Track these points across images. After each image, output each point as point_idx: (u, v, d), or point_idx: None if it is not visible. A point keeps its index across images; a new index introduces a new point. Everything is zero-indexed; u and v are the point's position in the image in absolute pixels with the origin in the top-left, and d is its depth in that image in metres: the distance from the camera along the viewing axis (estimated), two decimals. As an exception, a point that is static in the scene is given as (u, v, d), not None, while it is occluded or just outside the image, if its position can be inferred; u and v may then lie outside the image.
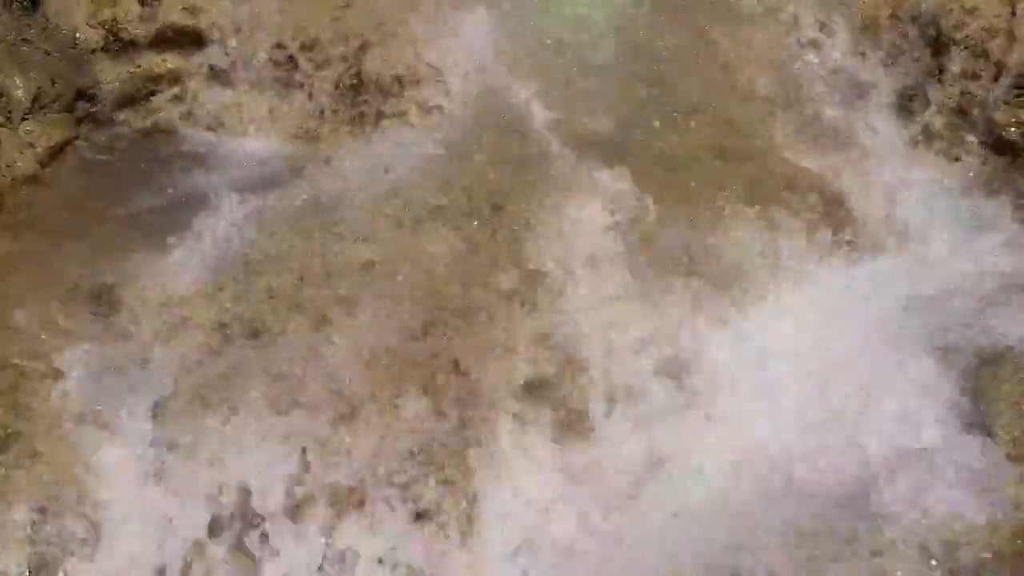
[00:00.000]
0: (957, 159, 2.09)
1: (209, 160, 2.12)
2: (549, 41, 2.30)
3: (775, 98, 2.19)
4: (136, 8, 2.25)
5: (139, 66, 2.21)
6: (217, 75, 2.25)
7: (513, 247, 1.87)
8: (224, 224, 1.89)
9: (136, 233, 1.93)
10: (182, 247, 1.89)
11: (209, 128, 2.21)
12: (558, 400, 1.75)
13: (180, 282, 1.83)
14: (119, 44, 2.22)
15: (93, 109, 2.18)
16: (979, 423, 1.69)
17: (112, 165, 2.13)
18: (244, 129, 2.20)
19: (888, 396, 1.76)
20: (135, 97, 2.22)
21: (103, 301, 1.81)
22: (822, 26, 2.31)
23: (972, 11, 2.20)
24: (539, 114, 2.11)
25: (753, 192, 2.04)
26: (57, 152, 2.10)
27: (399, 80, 2.18)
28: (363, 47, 2.24)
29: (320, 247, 1.86)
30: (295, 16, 2.30)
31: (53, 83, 2.10)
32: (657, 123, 2.14)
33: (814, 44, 2.30)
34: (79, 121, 2.16)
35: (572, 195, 1.98)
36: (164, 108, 2.21)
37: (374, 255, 1.82)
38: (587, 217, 1.96)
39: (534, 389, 1.75)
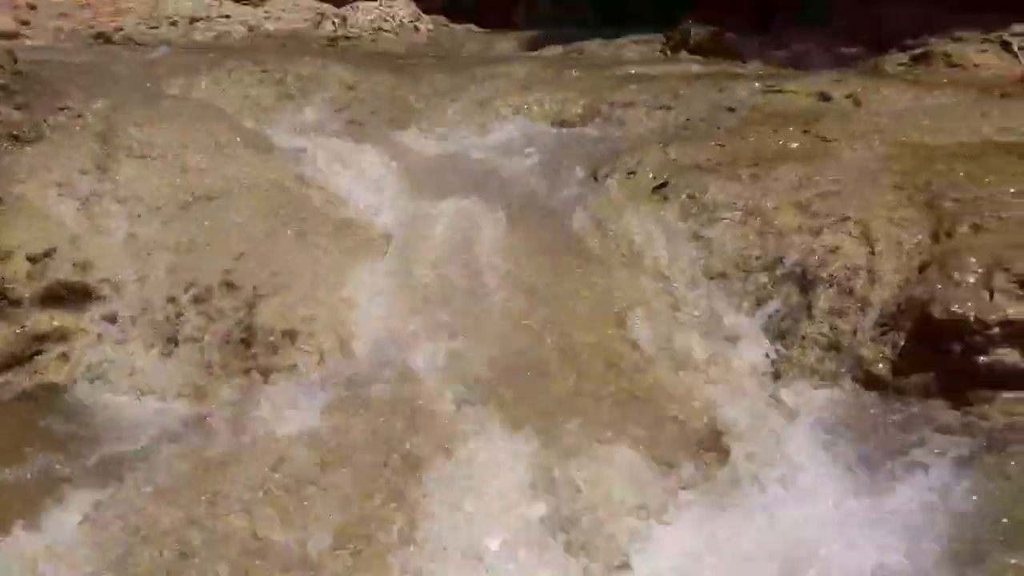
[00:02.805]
0: (831, 393, 2.16)
1: (88, 428, 2.10)
2: (443, 290, 2.38)
3: (652, 339, 2.27)
4: (25, 266, 2.28)
5: (24, 326, 2.22)
6: (106, 332, 2.26)
7: (406, 512, 1.86)
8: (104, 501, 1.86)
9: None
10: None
11: (94, 387, 2.21)
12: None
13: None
14: (5, 303, 2.23)
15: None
16: None
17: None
18: (130, 387, 2.20)
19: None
20: (19, 358, 2.21)
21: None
22: (681, 272, 2.44)
23: (834, 250, 2.34)
24: (430, 363, 2.15)
25: (629, 427, 2.09)
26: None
27: (290, 334, 2.21)
28: (255, 299, 2.29)
29: (203, 518, 1.83)
30: (187, 269, 2.36)
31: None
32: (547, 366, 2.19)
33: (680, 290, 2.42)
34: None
35: (461, 447, 1.99)
36: (49, 368, 2.21)
37: (257, 527, 1.79)
38: (477, 470, 1.97)
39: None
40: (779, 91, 3.70)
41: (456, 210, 2.79)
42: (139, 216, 2.54)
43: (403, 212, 2.76)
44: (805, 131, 3.15)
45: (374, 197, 2.89)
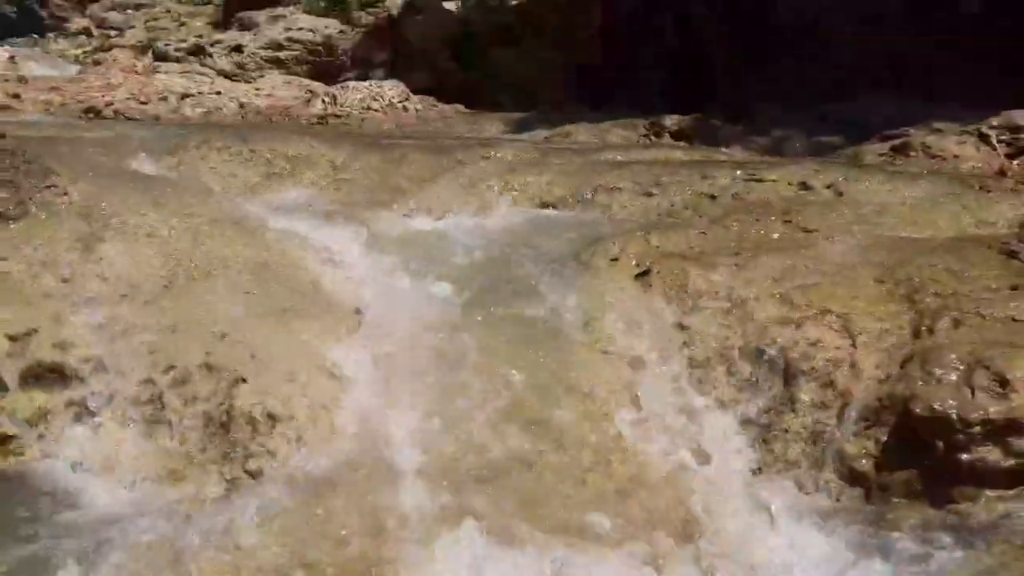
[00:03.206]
0: (813, 489, 2.14)
1: (63, 512, 2.06)
2: (429, 379, 2.38)
3: (633, 431, 2.26)
4: (5, 345, 2.26)
5: (3, 406, 2.19)
6: (84, 413, 2.24)
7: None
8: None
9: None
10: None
11: (70, 470, 2.17)
12: None
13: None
14: (-16, 383, 2.20)
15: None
16: None
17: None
18: (107, 471, 2.16)
19: None
20: (-4, 439, 2.18)
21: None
22: (664, 361, 2.45)
23: (816, 343, 2.35)
24: (411, 459, 2.13)
25: (611, 521, 2.07)
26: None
27: (270, 418, 2.19)
28: (235, 381, 2.27)
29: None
30: (168, 350, 2.35)
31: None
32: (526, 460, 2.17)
33: (662, 380, 2.42)
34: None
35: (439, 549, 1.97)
36: (26, 449, 2.18)
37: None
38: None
39: None
40: (760, 180, 3.76)
41: (437, 292, 2.80)
42: (122, 296, 2.53)
43: (384, 294, 2.77)
44: (786, 221, 3.19)
45: (356, 278, 2.90)
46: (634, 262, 2.87)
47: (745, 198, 3.62)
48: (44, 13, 16.57)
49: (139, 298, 2.53)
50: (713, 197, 3.63)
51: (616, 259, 2.89)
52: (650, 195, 3.76)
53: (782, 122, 6.31)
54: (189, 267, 2.68)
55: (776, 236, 3.10)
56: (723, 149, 5.44)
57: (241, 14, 13.52)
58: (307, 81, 8.66)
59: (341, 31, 11.70)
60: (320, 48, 11.16)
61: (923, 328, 2.29)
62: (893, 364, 2.23)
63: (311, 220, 3.38)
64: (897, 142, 4.71)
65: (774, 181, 3.74)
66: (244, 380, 2.27)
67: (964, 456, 2.00)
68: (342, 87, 8.01)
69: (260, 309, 2.56)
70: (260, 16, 12.70)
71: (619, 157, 4.61)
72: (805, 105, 6.92)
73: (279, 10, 13.26)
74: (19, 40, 16.12)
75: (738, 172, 3.85)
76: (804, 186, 3.69)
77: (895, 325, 2.36)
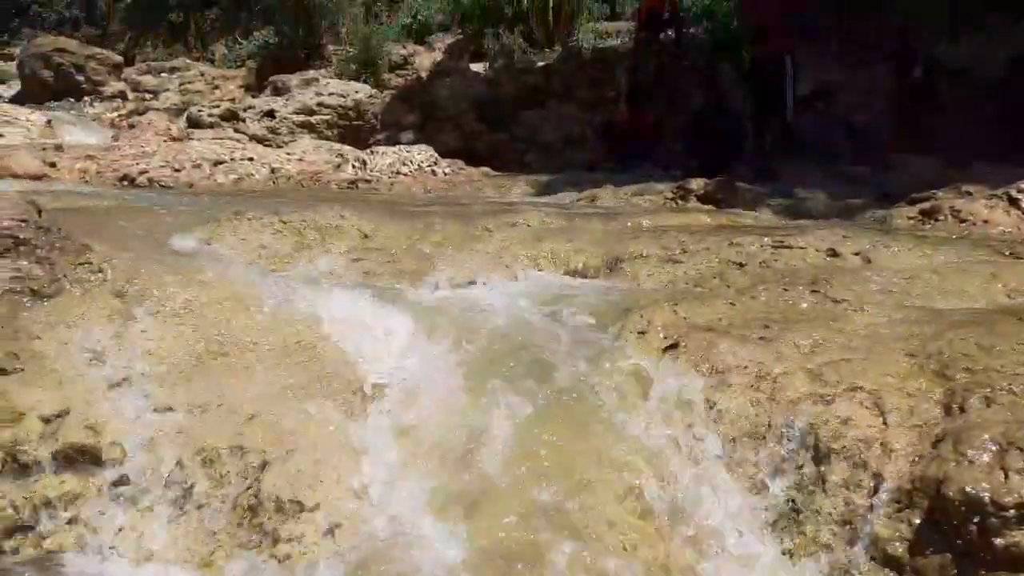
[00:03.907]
0: (846, 573, 2.11)
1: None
2: (455, 455, 2.38)
3: (664, 512, 2.24)
4: (38, 427, 2.29)
5: (33, 490, 2.21)
6: (114, 496, 2.25)
7: None
8: None
9: None
10: None
11: (101, 554, 2.18)
12: None
13: None
14: (16, 466, 2.22)
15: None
16: None
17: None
18: (136, 554, 2.17)
19: None
20: (27, 523, 2.19)
21: None
22: (692, 437, 2.44)
23: (847, 421, 2.32)
24: (441, 541, 2.12)
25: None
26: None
27: (297, 502, 2.19)
28: (264, 464, 2.28)
29: None
30: (197, 431, 2.36)
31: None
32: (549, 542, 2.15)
33: (691, 457, 2.40)
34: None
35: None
36: (57, 533, 2.19)
37: None
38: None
39: None
40: (788, 247, 3.76)
41: (464, 368, 2.81)
42: (152, 374, 2.55)
43: (412, 371, 2.77)
44: (815, 290, 3.18)
45: (384, 354, 2.90)
46: (662, 335, 2.86)
47: (773, 266, 3.61)
48: (81, 78, 17.02)
49: (170, 377, 2.56)
50: (741, 265, 3.63)
51: (644, 332, 2.89)
52: (677, 262, 3.77)
53: (808, 183, 6.32)
54: (219, 345, 2.71)
55: (805, 306, 3.08)
56: (749, 212, 5.44)
57: (274, 77, 13.82)
58: (337, 145, 8.81)
59: (371, 95, 11.92)
60: (350, 112, 11.36)
61: (954, 406, 2.26)
62: (925, 443, 2.20)
63: (340, 292, 3.41)
64: (926, 205, 4.69)
65: (802, 248, 3.74)
66: (272, 463, 2.27)
67: (998, 540, 1.95)
68: (372, 151, 8.13)
69: (288, 387, 2.58)
70: (292, 80, 12.97)
71: (646, 222, 4.64)
72: (830, 165, 6.94)
73: (311, 73, 13.55)
74: (56, 104, 16.57)
75: (765, 239, 3.86)
76: (832, 253, 3.69)
77: (926, 402, 2.32)
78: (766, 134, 7.74)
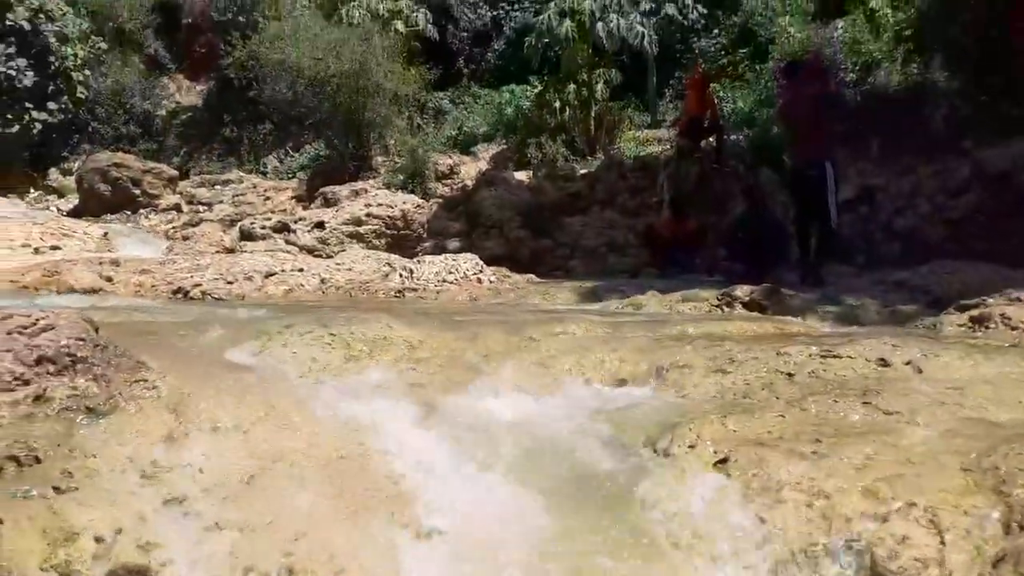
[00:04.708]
0: None
1: None
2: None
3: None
4: (91, 547, 2.31)
5: (86, 608, 2.22)
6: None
7: None
8: None
9: None
10: None
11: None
12: None
13: None
14: (69, 590, 2.24)
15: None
16: None
17: None
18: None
19: None
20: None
21: None
22: (743, 557, 2.39)
23: (903, 540, 2.27)
24: None
25: None
26: None
27: (346, 625, 2.18)
28: (311, 585, 2.28)
29: None
30: (248, 550, 2.37)
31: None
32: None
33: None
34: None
35: None
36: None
37: None
38: None
39: None
40: (837, 356, 3.73)
41: (511, 484, 2.80)
42: (204, 492, 2.57)
43: (458, 487, 2.77)
44: (866, 402, 3.14)
45: (429, 469, 2.91)
46: (711, 449, 2.84)
47: (822, 376, 3.58)
48: (137, 191, 17.65)
49: (220, 495, 2.58)
50: (789, 375, 3.60)
51: (693, 446, 2.87)
52: (724, 372, 3.75)
53: (854, 289, 6.29)
54: (269, 461, 2.73)
55: (856, 419, 3.04)
56: (796, 319, 5.42)
57: (324, 188, 14.24)
58: (385, 254, 8.97)
59: (418, 205, 12.23)
60: (398, 221, 11.63)
61: (1014, 524, 2.20)
62: (984, 564, 2.14)
63: (387, 405, 3.44)
64: (975, 312, 4.64)
65: (851, 358, 3.70)
66: (321, 583, 2.27)
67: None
68: (419, 260, 8.26)
69: (337, 506, 2.59)
70: (342, 191, 13.35)
71: (691, 330, 4.64)
72: (876, 270, 6.92)
73: (359, 184, 13.94)
74: (113, 216, 17.15)
75: (814, 348, 3.83)
76: (882, 363, 3.65)
77: (984, 520, 2.27)
78: (810, 239, 7.74)
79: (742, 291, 6.08)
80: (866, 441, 2.77)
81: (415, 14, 20.91)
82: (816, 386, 3.44)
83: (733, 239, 8.83)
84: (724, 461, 2.77)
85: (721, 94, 16.40)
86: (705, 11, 19.76)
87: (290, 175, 19.61)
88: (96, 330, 3.36)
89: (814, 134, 7.81)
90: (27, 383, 2.95)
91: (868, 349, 3.77)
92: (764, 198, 9.21)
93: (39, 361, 3.02)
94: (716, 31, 20.53)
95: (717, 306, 6.07)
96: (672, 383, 3.77)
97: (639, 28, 17.45)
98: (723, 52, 19.92)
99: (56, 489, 2.45)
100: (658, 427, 3.11)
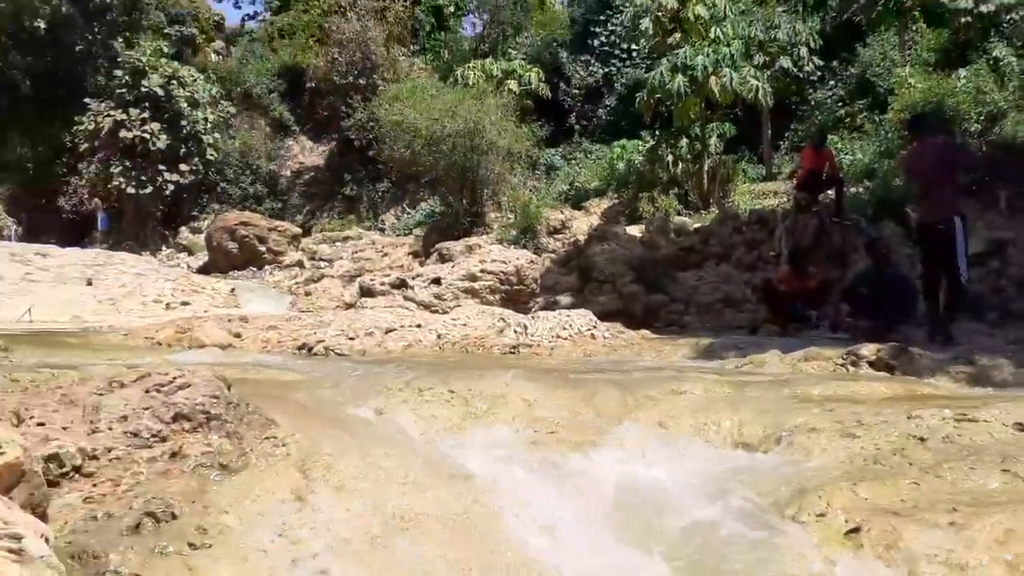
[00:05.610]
0: None
1: None
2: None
3: None
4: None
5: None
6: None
7: None
8: None
9: None
10: None
11: None
12: None
13: None
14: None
15: None
16: None
17: None
18: None
19: None
20: None
21: None
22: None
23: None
24: None
25: None
26: None
27: None
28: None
29: None
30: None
31: None
32: None
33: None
34: None
35: None
36: None
37: None
38: None
39: None
40: (972, 420, 3.57)
41: (637, 551, 2.76)
42: (331, 549, 2.62)
43: (577, 556, 2.74)
44: (1004, 469, 2.99)
45: (550, 534, 2.89)
46: (843, 518, 2.75)
47: (957, 441, 3.43)
48: (263, 248, 18.36)
49: (347, 552, 2.62)
50: (922, 440, 3.46)
51: (823, 514, 2.78)
52: (853, 436, 3.63)
53: (987, 347, 6.02)
54: (394, 521, 2.77)
55: (995, 487, 2.90)
56: (927, 380, 5.21)
57: (439, 244, 14.52)
58: (499, 310, 9.04)
59: (531, 260, 12.33)
60: (511, 276, 11.74)
61: None
62: None
63: (505, 464, 3.45)
64: (1120, 373, 4.38)
65: (987, 421, 3.54)
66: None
67: None
68: (533, 316, 8.31)
69: (458, 567, 2.59)
70: (456, 247, 13.58)
71: (816, 392, 4.52)
72: (1008, 326, 6.61)
73: (473, 240, 14.15)
74: (239, 273, 17.88)
75: (947, 411, 3.68)
76: (1020, 427, 3.48)
77: None
78: (939, 295, 7.45)
79: (868, 350, 5.87)
80: (1006, 511, 2.64)
81: (528, 73, 21.32)
82: (951, 451, 3.30)
83: (856, 295, 8.55)
84: (856, 530, 2.67)
85: (839, 146, 16.11)
86: (821, 63, 19.52)
87: (407, 231, 20.12)
88: (228, 387, 3.49)
89: (940, 186, 7.56)
90: (164, 440, 3.08)
91: (1005, 412, 3.60)
92: (888, 252, 8.92)
93: (175, 418, 3.15)
94: (832, 82, 20.24)
95: (842, 365, 5.88)
96: (797, 447, 3.67)
97: (753, 82, 17.35)
98: (840, 103, 19.60)
99: (191, 545, 2.53)
100: (784, 493, 3.03)
